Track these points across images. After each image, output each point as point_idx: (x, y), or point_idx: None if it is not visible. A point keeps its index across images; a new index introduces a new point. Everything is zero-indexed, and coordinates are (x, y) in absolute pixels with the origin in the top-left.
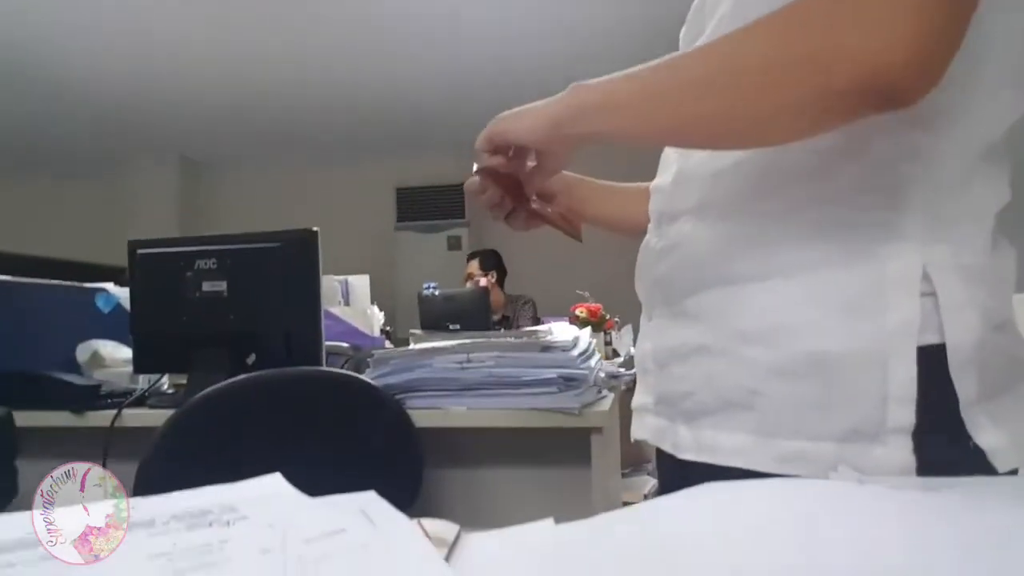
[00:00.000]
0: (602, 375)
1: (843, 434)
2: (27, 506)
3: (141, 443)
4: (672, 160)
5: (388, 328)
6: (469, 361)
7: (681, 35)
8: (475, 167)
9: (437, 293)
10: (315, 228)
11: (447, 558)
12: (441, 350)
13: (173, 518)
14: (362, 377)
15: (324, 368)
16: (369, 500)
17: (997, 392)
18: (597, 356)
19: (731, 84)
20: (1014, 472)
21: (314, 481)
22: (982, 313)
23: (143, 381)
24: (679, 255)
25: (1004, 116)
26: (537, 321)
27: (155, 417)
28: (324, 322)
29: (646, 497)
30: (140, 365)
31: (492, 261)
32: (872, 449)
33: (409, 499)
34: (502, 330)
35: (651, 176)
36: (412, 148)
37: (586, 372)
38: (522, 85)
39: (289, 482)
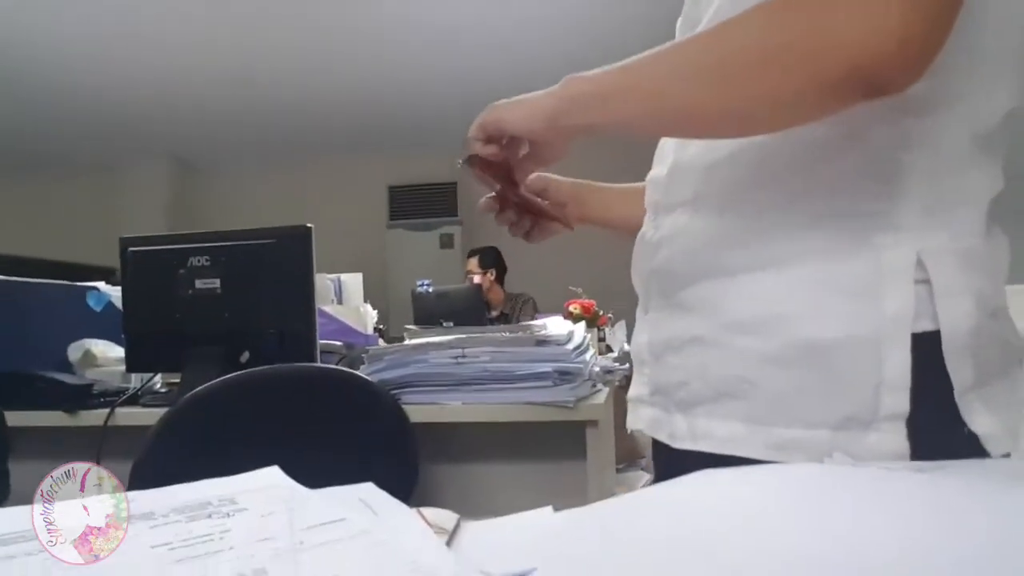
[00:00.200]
0: (596, 369)
1: (837, 421)
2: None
3: (135, 442)
4: (668, 152)
5: (381, 326)
6: (464, 356)
7: (677, 25)
8: (463, 158)
9: (431, 290)
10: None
11: (447, 544)
12: (436, 345)
13: (173, 511)
14: (357, 373)
15: (319, 364)
16: (368, 490)
17: (991, 378)
18: (592, 350)
19: (723, 73)
20: (1006, 456)
21: (310, 478)
22: (977, 299)
23: (136, 380)
24: (675, 247)
25: (1002, 102)
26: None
27: (149, 416)
28: (317, 320)
29: None
30: (133, 364)
31: (491, 258)
32: (866, 436)
33: (405, 494)
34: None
35: (647, 167)
36: (404, 146)
37: (581, 366)
38: (514, 84)
39: None
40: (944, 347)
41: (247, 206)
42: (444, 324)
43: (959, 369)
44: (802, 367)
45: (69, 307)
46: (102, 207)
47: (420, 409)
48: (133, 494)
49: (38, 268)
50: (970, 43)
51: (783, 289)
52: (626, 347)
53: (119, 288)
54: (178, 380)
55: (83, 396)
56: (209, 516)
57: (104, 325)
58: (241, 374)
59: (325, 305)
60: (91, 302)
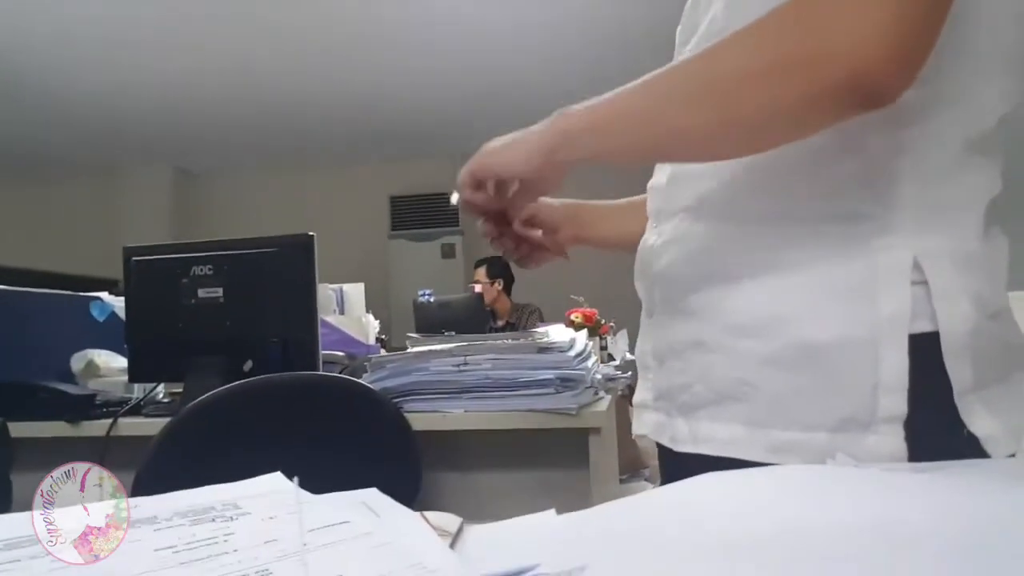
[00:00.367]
0: (599, 376)
1: (835, 423)
2: None
3: (138, 452)
4: None
5: (383, 336)
6: (466, 363)
7: (677, 33)
8: (454, 198)
9: (432, 300)
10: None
11: (451, 546)
12: (438, 353)
13: (176, 515)
14: (359, 381)
15: (321, 373)
16: (371, 494)
17: (992, 380)
18: (594, 357)
19: (715, 96)
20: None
21: (313, 486)
22: (975, 300)
23: (138, 390)
24: (676, 252)
25: (996, 105)
26: None
27: (151, 426)
28: (320, 330)
29: None
30: (135, 374)
31: (499, 268)
32: (864, 438)
33: (408, 503)
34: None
35: (643, 182)
36: (406, 156)
37: (583, 373)
38: (516, 93)
39: None
40: (943, 348)
41: (250, 216)
42: (446, 333)
43: (958, 370)
44: (799, 369)
45: (72, 317)
46: (103, 212)
47: (422, 417)
48: (136, 500)
49: (42, 279)
50: (961, 45)
51: (782, 292)
52: (628, 356)
53: (122, 299)
54: (181, 390)
55: (86, 406)
56: (213, 520)
57: (107, 335)
58: (243, 383)
59: (327, 315)
60: (94, 312)
